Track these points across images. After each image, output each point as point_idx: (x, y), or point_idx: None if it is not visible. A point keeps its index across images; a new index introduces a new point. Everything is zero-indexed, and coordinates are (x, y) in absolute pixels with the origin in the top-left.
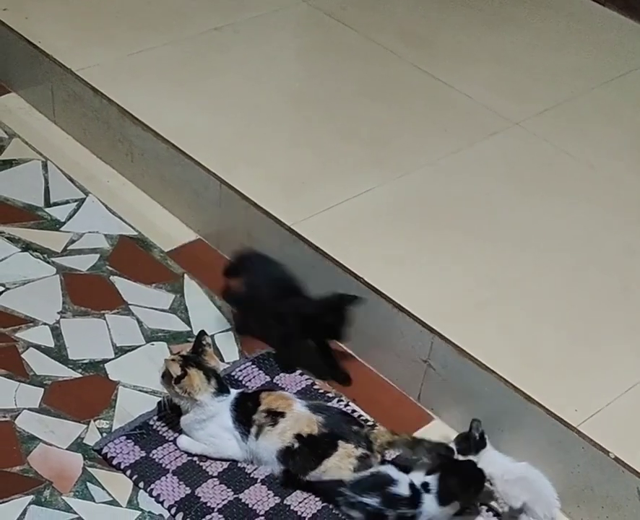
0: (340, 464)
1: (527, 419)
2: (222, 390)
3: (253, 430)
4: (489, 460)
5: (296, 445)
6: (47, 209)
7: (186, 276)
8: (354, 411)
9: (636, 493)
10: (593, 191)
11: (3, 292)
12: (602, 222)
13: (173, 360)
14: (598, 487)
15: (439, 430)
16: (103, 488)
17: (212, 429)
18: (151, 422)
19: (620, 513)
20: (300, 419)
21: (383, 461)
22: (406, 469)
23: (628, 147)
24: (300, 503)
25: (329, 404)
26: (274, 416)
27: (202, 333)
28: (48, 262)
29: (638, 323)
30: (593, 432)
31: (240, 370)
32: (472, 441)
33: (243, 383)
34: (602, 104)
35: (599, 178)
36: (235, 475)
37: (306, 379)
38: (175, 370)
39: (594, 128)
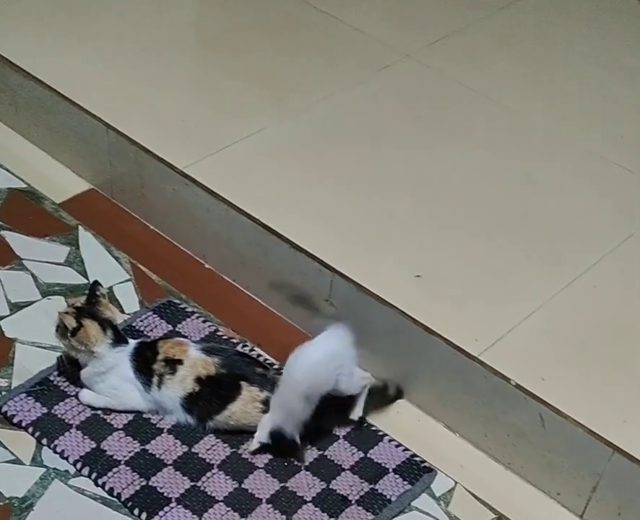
0: (246, 409)
1: (430, 352)
2: (119, 340)
3: (155, 380)
4: None
5: (197, 389)
6: None
7: (80, 227)
8: (259, 355)
9: (539, 419)
10: (489, 121)
11: None
12: (500, 152)
13: (66, 312)
14: (502, 415)
15: None
16: (5, 447)
17: (112, 381)
18: (51, 378)
19: (525, 439)
20: (196, 363)
21: None
22: None
23: (522, 76)
24: (208, 450)
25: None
26: (173, 364)
27: (96, 283)
28: None
29: (536, 251)
30: (494, 360)
31: (142, 321)
32: None
33: (145, 333)
34: (493, 33)
35: (495, 108)
36: (140, 427)
37: (209, 326)
38: (70, 323)
39: (486, 58)
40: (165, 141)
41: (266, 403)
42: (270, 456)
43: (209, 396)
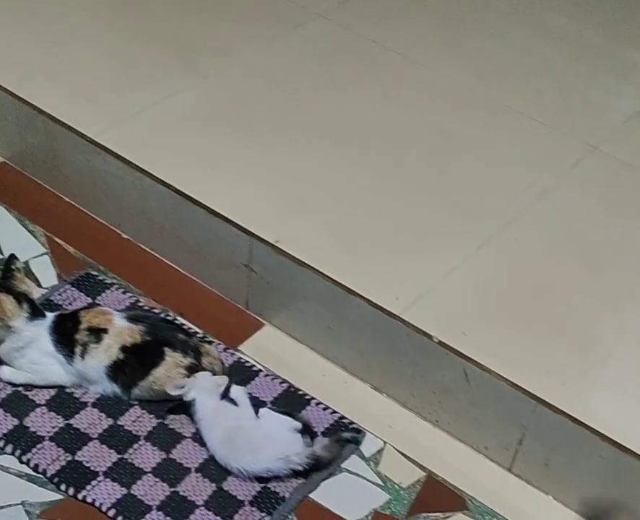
0: (169, 374)
1: (352, 312)
2: (36, 314)
3: (78, 350)
4: None
5: (121, 356)
6: None
7: None
8: (183, 325)
9: (463, 375)
10: (404, 78)
11: None
12: (415, 109)
13: None
14: (427, 373)
15: (270, 336)
16: None
17: (32, 356)
18: None
19: (451, 396)
20: (121, 331)
21: None
22: None
23: (437, 32)
24: (134, 421)
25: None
26: (97, 333)
27: (11, 257)
28: None
29: (455, 207)
30: (416, 318)
31: (60, 294)
32: None
33: (64, 306)
34: None
35: (409, 65)
36: (64, 401)
37: (129, 297)
38: None
39: (399, 15)
40: (74, 110)
41: (189, 369)
42: (197, 426)
43: (134, 364)
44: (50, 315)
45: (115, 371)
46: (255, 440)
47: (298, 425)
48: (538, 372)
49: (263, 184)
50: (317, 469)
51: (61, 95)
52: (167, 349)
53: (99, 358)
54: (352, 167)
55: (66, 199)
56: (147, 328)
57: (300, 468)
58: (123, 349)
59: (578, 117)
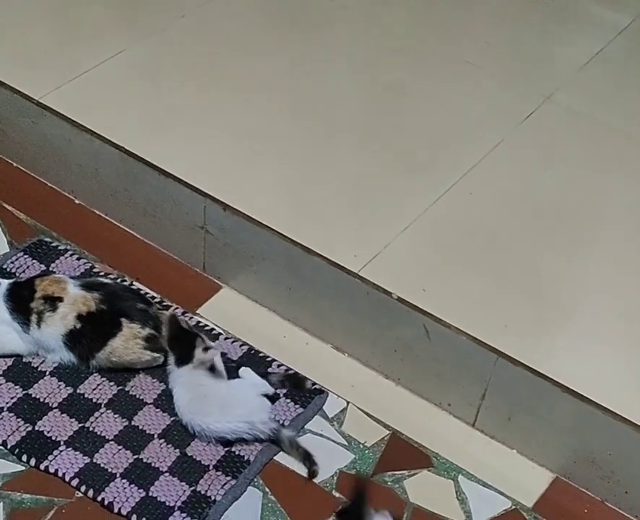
0: (127, 345)
1: (310, 271)
2: None
3: (33, 318)
4: None
5: (78, 325)
6: None
7: None
8: (140, 290)
9: (423, 331)
10: (353, 32)
11: None
12: (366, 63)
13: None
14: (388, 330)
15: (228, 298)
16: None
17: None
18: None
19: (412, 352)
20: (76, 300)
21: None
22: None
23: None
24: (94, 389)
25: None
26: (52, 301)
27: None
28: None
29: (409, 162)
30: (374, 275)
31: (12, 262)
32: None
33: (17, 274)
34: None
35: (358, 19)
36: (21, 371)
37: (84, 263)
38: None
39: None
40: (17, 72)
41: (148, 340)
42: (159, 391)
43: (90, 333)
44: (4, 283)
45: (72, 340)
46: (223, 400)
47: (270, 390)
48: (498, 325)
49: (216, 144)
50: (275, 443)
51: (3, 58)
52: (124, 320)
53: (55, 326)
54: (306, 125)
55: (15, 164)
56: (102, 296)
57: (262, 437)
58: (79, 317)
59: (532, 67)
